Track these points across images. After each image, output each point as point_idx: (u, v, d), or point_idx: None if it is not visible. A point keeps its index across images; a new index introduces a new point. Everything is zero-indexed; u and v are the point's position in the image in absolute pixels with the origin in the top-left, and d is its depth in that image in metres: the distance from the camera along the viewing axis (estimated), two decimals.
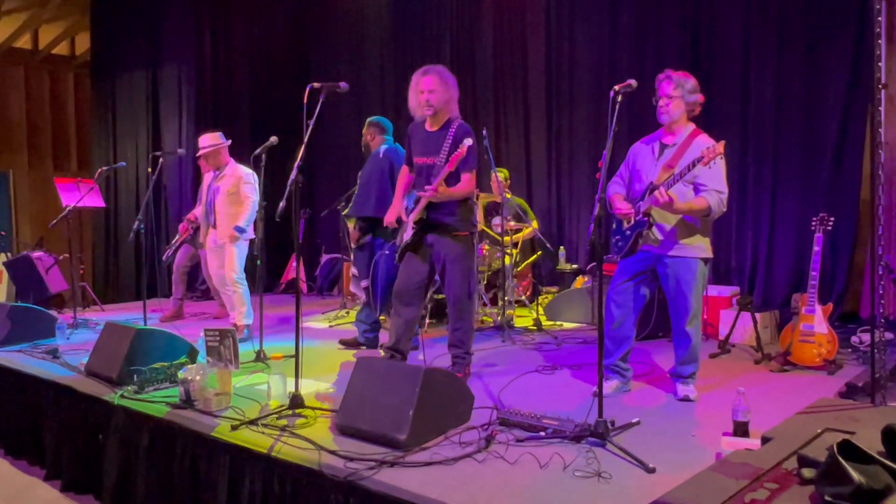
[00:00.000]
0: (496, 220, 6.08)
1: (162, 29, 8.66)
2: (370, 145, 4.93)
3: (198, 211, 6.01)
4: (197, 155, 5.33)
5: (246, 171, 5.24)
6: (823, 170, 5.19)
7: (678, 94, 3.33)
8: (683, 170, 3.17)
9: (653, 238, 3.38)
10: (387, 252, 4.67)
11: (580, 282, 6.05)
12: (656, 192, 3.18)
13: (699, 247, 3.38)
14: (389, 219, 3.96)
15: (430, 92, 3.66)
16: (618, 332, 3.54)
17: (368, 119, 4.99)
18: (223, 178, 5.25)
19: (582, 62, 6.66)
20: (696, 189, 3.28)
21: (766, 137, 5.47)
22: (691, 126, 3.42)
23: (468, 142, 3.57)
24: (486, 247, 5.83)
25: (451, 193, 3.63)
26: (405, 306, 3.86)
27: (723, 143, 3.04)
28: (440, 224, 3.74)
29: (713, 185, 3.25)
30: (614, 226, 3.59)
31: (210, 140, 5.25)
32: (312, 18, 9.10)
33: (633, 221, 3.41)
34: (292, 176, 3.32)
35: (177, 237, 6.29)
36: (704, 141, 3.34)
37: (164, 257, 6.37)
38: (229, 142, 5.31)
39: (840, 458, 1.79)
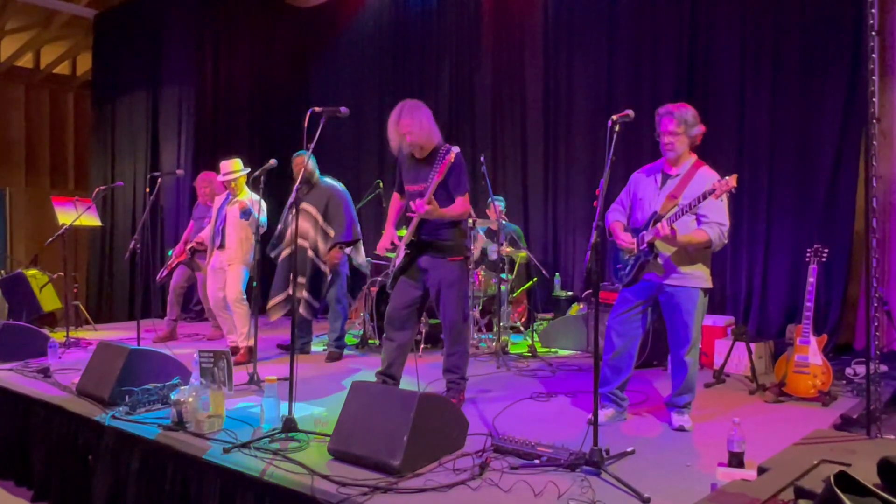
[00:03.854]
0: (492, 247, 6.10)
1: (163, 51, 8.74)
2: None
3: (204, 234, 6.02)
4: (222, 180, 5.34)
5: (255, 198, 5.25)
6: (817, 201, 5.23)
7: (682, 130, 3.35)
8: (693, 202, 3.18)
9: (657, 266, 3.39)
10: None
11: (575, 309, 6.05)
12: (658, 226, 3.19)
13: (700, 276, 3.39)
14: (383, 244, 3.95)
15: (411, 133, 3.69)
16: (618, 361, 3.53)
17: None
18: (235, 203, 5.24)
19: (579, 91, 6.74)
20: (698, 220, 3.30)
21: (760, 168, 5.52)
22: (693, 157, 3.45)
23: (455, 149, 3.63)
24: (482, 273, 5.83)
25: (442, 213, 3.64)
26: (397, 331, 3.85)
27: (735, 176, 3.04)
28: (432, 245, 3.74)
29: (715, 218, 3.27)
30: (616, 254, 3.60)
31: (232, 167, 5.27)
32: (313, 42, 9.20)
33: (636, 251, 3.42)
34: (291, 198, 3.34)
35: (171, 258, 6.27)
36: (708, 173, 3.36)
37: (157, 278, 6.34)
38: (248, 170, 5.33)
39: (837, 490, 1.78)
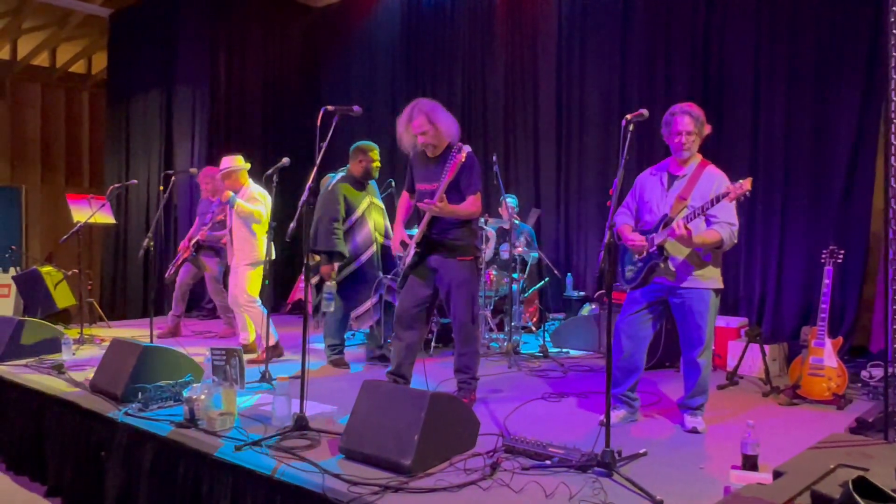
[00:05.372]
0: (504, 247, 6.09)
1: (177, 50, 8.79)
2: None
3: (193, 232, 6.03)
4: (217, 175, 5.32)
5: (255, 190, 5.21)
6: (833, 202, 5.17)
7: (697, 130, 3.34)
8: (706, 204, 3.16)
9: (667, 271, 3.37)
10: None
11: (587, 309, 6.03)
12: (674, 225, 3.16)
13: (712, 278, 3.37)
14: (394, 247, 3.96)
15: (424, 134, 3.67)
16: (627, 363, 3.51)
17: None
18: (252, 199, 5.21)
19: (592, 91, 6.70)
20: (708, 221, 3.28)
21: (775, 168, 5.47)
22: (699, 157, 3.44)
23: (467, 149, 3.61)
24: (494, 272, 5.82)
25: (453, 210, 3.63)
26: (406, 330, 3.84)
27: (749, 180, 3.01)
28: (443, 245, 3.73)
29: (725, 218, 3.25)
30: (624, 256, 3.57)
31: (229, 163, 5.23)
32: (325, 41, 9.22)
33: (645, 254, 3.39)
34: (303, 197, 3.34)
35: (178, 255, 6.30)
36: (714, 172, 3.35)
37: (166, 275, 6.37)
38: (248, 165, 5.29)
39: (856, 496, 1.76)
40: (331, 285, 4.82)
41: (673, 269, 3.36)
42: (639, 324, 3.49)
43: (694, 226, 3.23)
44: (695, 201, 3.27)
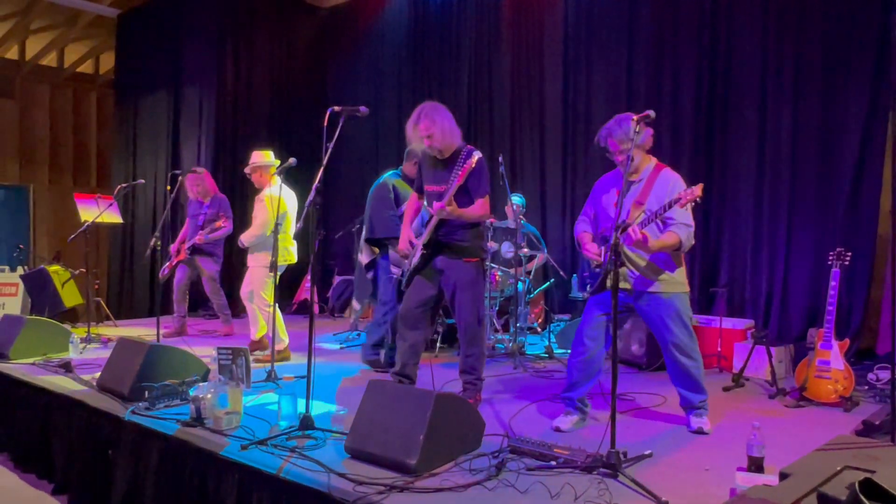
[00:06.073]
0: (507, 245, 6.08)
1: (184, 50, 8.83)
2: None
3: (186, 234, 6.00)
4: (246, 171, 5.32)
5: (269, 190, 5.15)
6: (840, 205, 5.16)
7: (627, 145, 3.27)
8: (659, 210, 3.16)
9: (627, 280, 3.37)
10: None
11: None
12: (630, 231, 3.14)
13: (674, 281, 3.37)
14: (401, 246, 3.96)
15: (430, 137, 3.68)
16: (590, 365, 3.46)
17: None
18: (258, 201, 5.23)
19: (598, 91, 6.70)
20: (665, 224, 3.28)
21: (782, 170, 5.46)
22: (653, 161, 3.43)
23: (477, 154, 3.62)
24: (499, 273, 5.82)
25: (461, 213, 3.63)
26: (410, 330, 3.85)
27: (700, 186, 2.98)
28: (449, 246, 3.74)
29: (681, 220, 3.25)
30: (585, 263, 3.57)
31: (258, 157, 5.22)
32: (332, 42, 9.24)
33: (601, 262, 3.38)
34: (310, 197, 3.35)
35: (172, 257, 6.30)
36: (669, 175, 3.36)
37: (159, 275, 6.36)
38: (277, 162, 5.21)
39: (863, 497, 1.75)
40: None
41: (629, 276, 3.36)
42: (601, 328, 3.45)
43: (649, 230, 3.22)
44: (651, 205, 3.27)
